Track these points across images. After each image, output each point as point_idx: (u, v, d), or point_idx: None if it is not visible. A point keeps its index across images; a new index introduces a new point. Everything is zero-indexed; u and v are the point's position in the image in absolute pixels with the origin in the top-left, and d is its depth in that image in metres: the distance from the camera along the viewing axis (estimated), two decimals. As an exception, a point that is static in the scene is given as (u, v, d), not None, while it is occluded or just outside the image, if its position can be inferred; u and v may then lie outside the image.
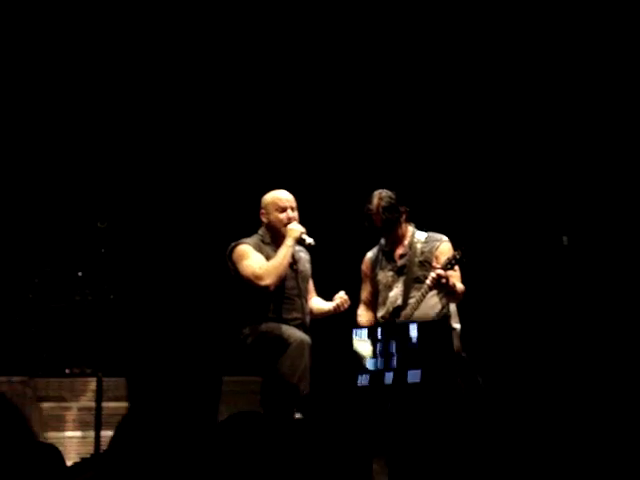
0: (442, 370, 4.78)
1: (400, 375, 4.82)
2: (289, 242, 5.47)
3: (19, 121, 6.96)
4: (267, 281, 5.41)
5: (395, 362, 4.87)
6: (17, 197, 6.91)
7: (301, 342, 5.30)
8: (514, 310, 7.17)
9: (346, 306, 5.57)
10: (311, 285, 5.78)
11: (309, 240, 5.51)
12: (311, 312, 5.69)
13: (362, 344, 4.98)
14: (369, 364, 4.96)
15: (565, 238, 7.07)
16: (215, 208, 7.23)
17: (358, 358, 4.99)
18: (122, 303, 6.08)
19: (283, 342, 5.31)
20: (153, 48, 7.16)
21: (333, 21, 7.33)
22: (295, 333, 5.36)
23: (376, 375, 4.91)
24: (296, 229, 5.50)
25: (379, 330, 5.02)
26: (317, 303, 5.74)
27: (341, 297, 5.58)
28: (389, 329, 5.05)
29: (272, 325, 5.44)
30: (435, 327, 5.02)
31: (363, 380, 4.91)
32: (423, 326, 4.94)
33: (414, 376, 4.76)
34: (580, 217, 7.19)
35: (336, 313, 5.62)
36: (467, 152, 7.48)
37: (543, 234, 7.20)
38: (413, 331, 4.86)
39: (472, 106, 7.49)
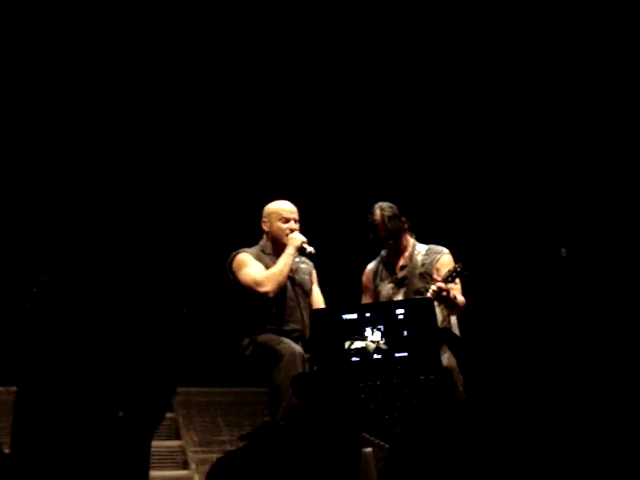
0: (428, 346, 4.69)
1: (388, 353, 4.70)
2: (290, 250, 5.49)
3: (17, 126, 6.99)
4: (267, 287, 5.40)
5: (384, 341, 4.76)
6: (17, 206, 6.91)
7: (292, 354, 5.25)
8: (514, 321, 7.18)
9: None
10: (315, 300, 5.75)
11: (310, 249, 5.52)
12: None
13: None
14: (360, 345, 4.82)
15: (564, 250, 7.08)
16: (215, 219, 7.23)
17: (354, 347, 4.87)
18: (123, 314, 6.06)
19: (276, 354, 5.27)
20: (171, 69, 7.18)
21: (351, 40, 7.36)
22: (288, 346, 5.31)
23: (366, 354, 4.77)
24: (297, 238, 5.52)
25: (368, 312, 4.83)
26: None
27: None
28: (376, 309, 4.91)
29: (268, 337, 5.41)
30: (420, 305, 4.91)
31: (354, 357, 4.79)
32: (408, 304, 4.84)
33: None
34: (578, 229, 7.20)
35: None
36: (466, 165, 7.50)
37: (542, 246, 7.21)
38: (399, 310, 4.73)
39: (471, 119, 7.52)
